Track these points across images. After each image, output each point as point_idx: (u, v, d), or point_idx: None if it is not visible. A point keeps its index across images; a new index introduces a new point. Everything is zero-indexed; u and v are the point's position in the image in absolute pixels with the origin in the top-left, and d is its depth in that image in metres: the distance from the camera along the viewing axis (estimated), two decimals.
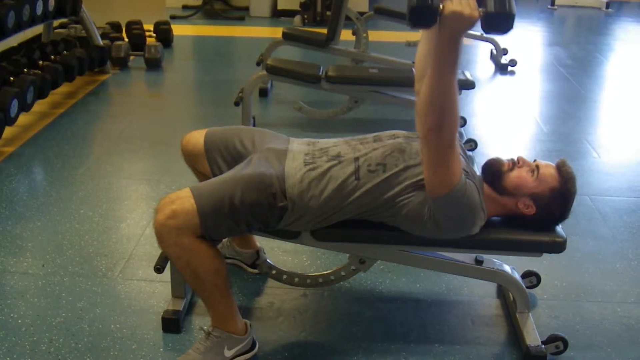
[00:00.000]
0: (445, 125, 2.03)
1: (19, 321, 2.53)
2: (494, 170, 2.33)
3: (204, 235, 2.14)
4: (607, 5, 9.91)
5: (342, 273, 2.54)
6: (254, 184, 2.20)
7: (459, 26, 1.88)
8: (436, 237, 2.27)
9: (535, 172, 2.29)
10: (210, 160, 2.49)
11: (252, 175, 2.23)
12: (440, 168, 2.12)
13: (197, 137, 2.54)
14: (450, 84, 1.99)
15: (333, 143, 2.40)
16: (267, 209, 2.20)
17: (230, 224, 2.18)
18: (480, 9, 1.90)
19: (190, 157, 2.58)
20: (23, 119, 4.40)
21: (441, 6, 1.87)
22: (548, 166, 2.32)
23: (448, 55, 1.95)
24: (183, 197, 2.14)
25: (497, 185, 2.31)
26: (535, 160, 2.35)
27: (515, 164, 2.33)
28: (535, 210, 2.29)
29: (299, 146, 2.41)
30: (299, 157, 2.32)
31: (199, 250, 2.14)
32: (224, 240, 2.81)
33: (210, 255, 2.17)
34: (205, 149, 2.50)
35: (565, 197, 2.30)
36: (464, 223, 2.24)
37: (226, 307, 2.32)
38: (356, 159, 2.26)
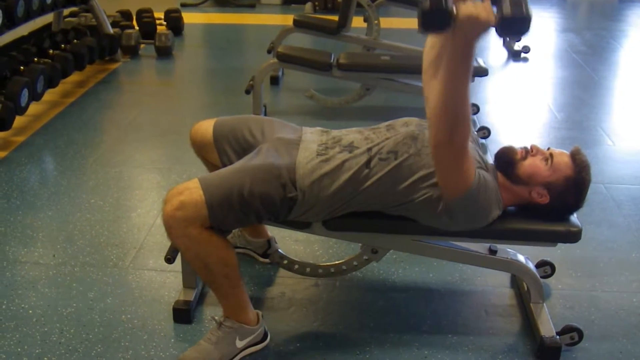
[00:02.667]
0: (456, 136, 2.01)
1: (30, 312, 2.52)
2: (507, 159, 2.30)
3: (213, 226, 2.13)
4: None
5: (355, 263, 2.52)
6: (263, 175, 2.17)
7: (474, 31, 1.83)
8: (448, 229, 2.25)
9: (549, 161, 2.26)
10: (219, 151, 2.47)
11: (261, 165, 2.21)
12: (453, 173, 2.10)
13: (206, 127, 2.52)
14: (464, 91, 1.95)
15: (346, 132, 2.37)
16: (276, 199, 2.18)
17: (239, 215, 2.16)
18: (495, 13, 1.85)
19: (199, 147, 2.56)
20: (33, 108, 4.40)
21: (455, 10, 1.81)
22: (562, 154, 2.29)
23: (461, 61, 1.91)
24: (191, 188, 2.12)
25: (511, 174, 2.28)
26: (549, 149, 2.31)
27: (528, 152, 2.29)
28: (550, 199, 2.26)
29: (311, 135, 2.38)
30: (311, 146, 2.29)
31: (208, 241, 2.12)
32: (234, 230, 2.79)
33: (220, 246, 2.15)
34: (214, 139, 2.48)
35: (579, 186, 2.27)
36: (479, 217, 2.22)
37: (237, 298, 2.30)
38: (369, 149, 2.23)
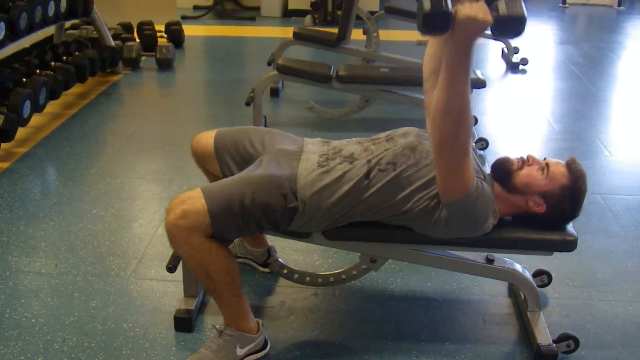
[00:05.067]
0: (460, 133, 2.05)
1: (33, 320, 2.55)
2: (504, 169, 2.33)
3: (215, 235, 2.15)
4: (619, 3, 9.87)
5: (354, 272, 2.55)
6: (265, 185, 2.21)
7: (473, 30, 1.88)
8: (442, 237, 2.28)
9: (545, 170, 2.29)
10: (220, 161, 2.50)
11: (263, 176, 2.24)
12: (453, 174, 2.13)
13: (206, 138, 2.55)
14: (465, 89, 2.00)
15: (346, 143, 2.41)
16: (277, 209, 2.21)
17: (241, 225, 2.19)
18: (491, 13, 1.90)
19: (200, 158, 2.60)
20: (36, 119, 4.43)
21: (453, 11, 1.86)
22: (558, 164, 2.32)
23: (461, 60, 1.95)
24: (194, 197, 2.15)
25: (507, 184, 2.31)
26: (545, 159, 2.34)
27: (525, 162, 2.33)
28: (546, 208, 2.29)
29: (313, 146, 2.41)
30: (312, 157, 2.33)
31: (209, 249, 2.15)
32: (235, 239, 2.82)
33: (221, 255, 2.18)
34: (215, 150, 2.51)
35: (575, 195, 2.30)
36: (474, 225, 2.25)
37: (238, 306, 2.33)
38: (369, 161, 2.27)
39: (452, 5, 1.86)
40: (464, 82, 1.99)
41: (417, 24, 1.91)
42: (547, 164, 2.31)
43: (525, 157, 2.34)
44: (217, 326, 2.35)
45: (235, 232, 2.25)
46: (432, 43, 2.47)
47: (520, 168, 2.31)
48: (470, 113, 2.05)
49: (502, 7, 1.88)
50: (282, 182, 2.23)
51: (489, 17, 1.86)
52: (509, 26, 1.91)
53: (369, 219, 2.30)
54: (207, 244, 2.14)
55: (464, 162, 2.11)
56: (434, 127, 2.10)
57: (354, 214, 2.27)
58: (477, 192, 2.16)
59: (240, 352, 2.33)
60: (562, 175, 2.29)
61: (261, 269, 2.88)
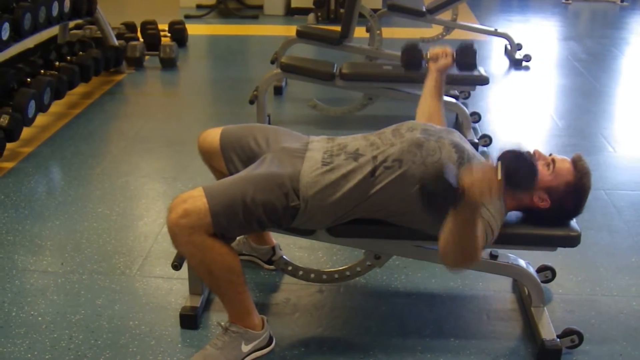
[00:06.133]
0: (467, 260, 2.07)
1: (39, 318, 2.57)
2: None
3: (217, 233, 2.17)
4: None
5: (358, 269, 2.56)
6: (266, 184, 2.22)
7: (483, 197, 1.82)
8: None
9: (551, 166, 2.30)
10: (226, 159, 2.52)
11: (264, 175, 2.25)
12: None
13: (213, 136, 2.57)
14: (473, 233, 1.98)
15: (352, 138, 2.41)
16: (278, 208, 2.22)
17: (242, 223, 2.20)
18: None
19: (206, 155, 2.61)
20: (40, 119, 4.44)
21: (459, 185, 1.79)
22: (564, 161, 2.33)
23: (472, 221, 1.95)
24: (195, 197, 2.16)
25: None
26: (551, 154, 2.35)
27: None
28: (550, 203, 2.30)
29: (318, 144, 2.42)
30: (316, 155, 2.33)
31: (211, 247, 2.16)
32: (239, 237, 2.83)
33: (223, 253, 2.19)
34: (221, 147, 2.53)
35: (579, 192, 2.31)
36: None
37: (242, 303, 2.34)
38: (374, 157, 2.27)
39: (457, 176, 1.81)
40: (473, 230, 1.97)
41: (421, 202, 1.86)
42: (553, 160, 2.32)
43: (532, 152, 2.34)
44: (222, 323, 2.37)
45: (237, 230, 2.26)
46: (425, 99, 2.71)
47: None
48: (479, 244, 2.03)
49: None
50: (284, 180, 2.24)
51: (493, 179, 1.79)
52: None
53: (373, 216, 2.30)
54: (209, 242, 2.15)
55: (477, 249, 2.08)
56: (443, 255, 2.09)
57: (358, 210, 2.28)
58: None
59: (246, 348, 2.34)
60: (568, 171, 2.30)
61: (266, 266, 2.90)
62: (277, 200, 2.22)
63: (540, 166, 2.30)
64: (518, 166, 1.83)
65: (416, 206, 2.20)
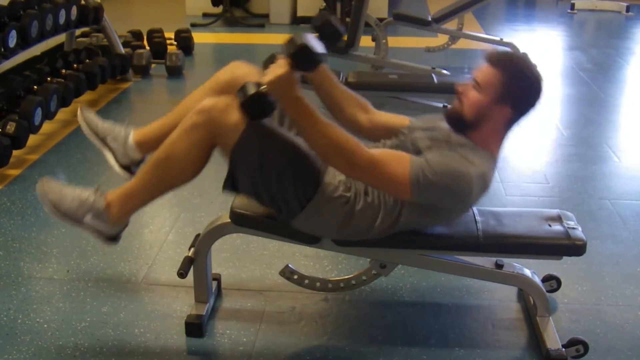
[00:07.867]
0: (351, 158, 2.09)
1: (45, 326, 2.57)
2: (452, 118, 2.28)
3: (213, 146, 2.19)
4: (628, 9, 9.85)
5: (363, 277, 2.56)
6: (303, 163, 2.23)
7: (286, 88, 1.99)
8: (442, 221, 2.31)
9: (477, 86, 2.20)
10: None
11: (309, 156, 2.23)
12: (382, 185, 2.17)
13: (248, 71, 2.57)
14: (317, 128, 2.06)
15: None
16: (296, 184, 2.21)
17: (256, 169, 2.16)
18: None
19: (229, 83, 2.51)
20: (47, 127, 4.46)
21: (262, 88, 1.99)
22: (481, 69, 2.22)
23: (298, 114, 2.06)
24: (242, 119, 2.14)
25: (466, 126, 2.24)
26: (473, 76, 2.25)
27: (460, 96, 2.25)
28: (509, 107, 2.23)
29: None
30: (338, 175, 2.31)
31: (195, 147, 2.18)
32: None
33: (194, 163, 2.21)
34: None
35: (521, 79, 2.23)
36: (458, 194, 2.16)
37: (140, 202, 2.38)
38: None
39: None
40: (313, 126, 2.05)
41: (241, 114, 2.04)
42: (474, 79, 2.21)
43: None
44: (101, 188, 2.40)
45: (243, 169, 2.20)
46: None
47: (461, 105, 2.24)
48: (342, 136, 2.08)
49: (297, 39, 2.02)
50: (316, 169, 2.24)
51: (287, 68, 1.95)
52: (302, 58, 2.03)
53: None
54: (203, 145, 2.18)
55: (378, 170, 2.11)
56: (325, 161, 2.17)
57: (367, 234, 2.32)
58: (420, 174, 2.09)
59: (87, 220, 2.34)
60: (492, 75, 2.19)
61: (117, 167, 2.66)
62: (308, 169, 2.22)
63: (471, 95, 2.21)
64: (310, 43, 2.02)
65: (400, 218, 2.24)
